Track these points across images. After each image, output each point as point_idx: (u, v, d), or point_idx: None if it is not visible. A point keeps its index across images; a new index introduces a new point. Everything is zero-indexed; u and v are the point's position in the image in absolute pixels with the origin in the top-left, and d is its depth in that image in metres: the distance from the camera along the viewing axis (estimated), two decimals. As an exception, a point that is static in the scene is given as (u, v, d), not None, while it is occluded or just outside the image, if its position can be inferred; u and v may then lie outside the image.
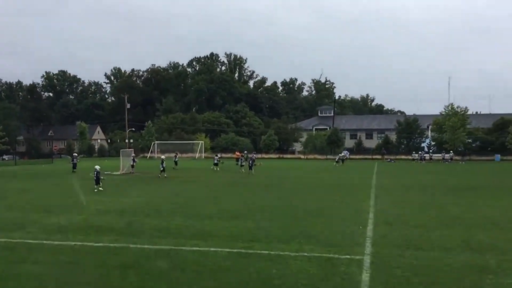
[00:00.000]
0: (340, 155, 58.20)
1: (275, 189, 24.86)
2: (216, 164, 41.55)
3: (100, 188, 23.74)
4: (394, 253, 10.48)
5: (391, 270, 9.14)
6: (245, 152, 57.08)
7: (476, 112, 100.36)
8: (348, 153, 60.47)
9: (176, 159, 43.34)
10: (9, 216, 16.02)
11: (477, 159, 69.50)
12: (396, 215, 15.83)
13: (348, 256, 10.25)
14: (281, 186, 26.55)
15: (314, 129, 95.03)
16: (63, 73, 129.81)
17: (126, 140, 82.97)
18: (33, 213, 16.62)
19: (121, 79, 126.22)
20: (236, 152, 58.36)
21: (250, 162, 37.78)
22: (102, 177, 24.84)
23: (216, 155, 44.46)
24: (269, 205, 18.62)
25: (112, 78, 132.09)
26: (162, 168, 32.96)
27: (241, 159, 42.28)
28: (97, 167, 24.85)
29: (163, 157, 35.14)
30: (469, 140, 75.39)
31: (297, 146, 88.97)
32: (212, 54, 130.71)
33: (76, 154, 38.47)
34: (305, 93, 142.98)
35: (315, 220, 14.98)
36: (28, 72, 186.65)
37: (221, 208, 17.76)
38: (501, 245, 11.29)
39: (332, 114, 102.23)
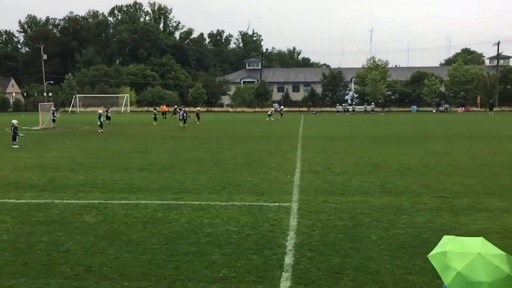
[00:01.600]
0: (272, 109, 53.65)
1: (204, 142, 24.86)
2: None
3: (16, 146, 22.50)
4: (319, 199, 11.01)
5: (317, 215, 9.63)
6: (180, 106, 55.62)
7: (396, 66, 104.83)
8: (277, 105, 60.21)
9: (109, 114, 41.24)
10: None
11: (395, 110, 73.50)
12: (322, 164, 16.52)
13: (276, 204, 10.64)
14: (209, 139, 26.59)
15: (242, 82, 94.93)
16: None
17: (44, 94, 78.27)
18: None
19: (35, 28, 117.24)
20: (162, 106, 56.97)
21: (183, 115, 36.73)
22: (20, 134, 23.48)
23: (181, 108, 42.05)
24: (199, 157, 18.67)
25: (26, 27, 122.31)
26: (99, 123, 31.51)
27: (179, 113, 40.49)
28: (15, 121, 23.44)
29: (100, 111, 33.49)
30: (389, 93, 79.21)
31: (226, 100, 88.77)
32: (135, 2, 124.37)
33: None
34: (232, 45, 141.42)
35: (244, 170, 15.28)
36: None
37: (149, 161, 17.55)
38: (415, 188, 12.22)
39: (259, 67, 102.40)
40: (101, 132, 30.61)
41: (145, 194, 11.70)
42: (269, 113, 50.47)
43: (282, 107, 55.36)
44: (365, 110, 66.91)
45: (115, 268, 6.82)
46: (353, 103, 77.65)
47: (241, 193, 11.81)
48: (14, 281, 6.38)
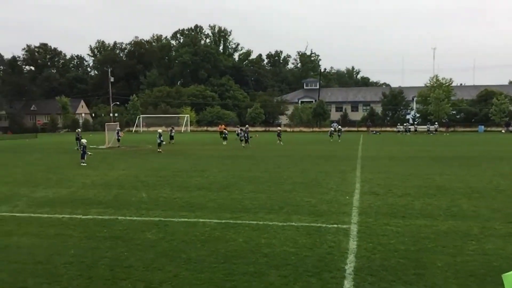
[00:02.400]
0: (331, 128, 52.04)
1: (262, 161, 24.95)
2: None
3: (84, 164, 23.57)
4: (380, 222, 10.67)
5: (378, 238, 9.32)
6: (242, 127, 56.48)
7: (461, 84, 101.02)
8: (336, 125, 58.85)
9: (172, 133, 42.50)
10: (-6, 190, 15.87)
11: (461, 130, 70.45)
12: (382, 185, 16.05)
13: (335, 225, 10.41)
14: (268, 158, 26.65)
15: (300, 102, 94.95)
16: (44, 46, 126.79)
17: (111, 114, 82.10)
18: (19, 187, 16.50)
19: (104, 52, 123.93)
20: (220, 126, 57.98)
21: (245, 135, 37.27)
22: (88, 153, 24.73)
23: (241, 128, 42.72)
24: (257, 176, 18.73)
25: (96, 51, 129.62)
26: (159, 142, 31.97)
27: (240, 133, 41.00)
28: (84, 141, 24.75)
29: (160, 130, 34.15)
30: (454, 112, 76.18)
31: (283, 119, 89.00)
32: (196, 26, 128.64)
33: (79, 130, 36.73)
34: (290, 65, 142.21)
35: (302, 190, 15.13)
36: (9, 45, 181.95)
37: (208, 180, 17.82)
38: (484, 213, 11.56)
39: (317, 87, 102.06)
40: (159, 151, 31.34)
41: (203, 213, 11.85)
42: (329, 133, 49.06)
43: (339, 127, 52.89)
44: (428, 130, 64.67)
45: (174, 285, 6.91)
46: (415, 122, 75.32)
47: (299, 213, 11.67)
48: (79, 294, 6.61)
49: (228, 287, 6.82)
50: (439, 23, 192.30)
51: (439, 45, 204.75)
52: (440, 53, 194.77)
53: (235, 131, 51.27)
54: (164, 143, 36.07)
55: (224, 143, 40.31)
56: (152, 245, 8.95)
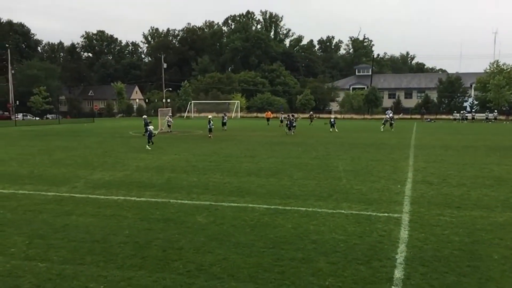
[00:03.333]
0: (386, 116, 45.71)
1: (311, 148, 24.80)
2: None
3: (148, 148, 24.46)
4: (433, 212, 10.38)
5: (431, 228, 9.08)
6: (282, 112, 56.61)
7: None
8: (390, 112, 56.23)
9: (225, 120, 41.73)
10: (55, 172, 16.73)
11: (522, 118, 66.93)
12: (436, 175, 15.57)
13: (386, 214, 10.23)
14: (317, 145, 26.46)
15: (351, 89, 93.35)
16: (101, 33, 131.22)
17: (164, 100, 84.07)
18: (78, 169, 17.28)
19: (157, 39, 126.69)
20: (267, 112, 58.04)
21: (289, 122, 36.79)
22: (154, 134, 25.79)
23: (289, 115, 41.17)
24: (306, 163, 18.66)
25: (149, 38, 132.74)
26: (209, 128, 32.06)
27: (290, 120, 39.69)
28: (151, 127, 26.06)
29: (210, 116, 34.25)
30: (515, 99, 72.45)
31: (334, 106, 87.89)
32: (247, 12, 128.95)
33: (146, 116, 37.65)
34: (342, 51, 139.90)
35: (353, 178, 14.95)
36: (70, 32, 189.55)
37: (257, 166, 17.94)
38: (546, 206, 10.98)
39: (370, 73, 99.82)
40: (209, 137, 31.71)
41: (253, 198, 11.96)
42: (383, 121, 43.41)
43: (391, 114, 48.82)
44: (487, 118, 61.96)
45: (224, 268, 7.04)
46: (473, 110, 72.27)
47: (348, 201, 11.55)
48: (134, 273, 6.88)
49: (276, 271, 6.88)
50: (500, 5, 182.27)
51: (500, 29, 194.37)
52: (502, 37, 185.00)
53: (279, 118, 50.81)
54: (224, 128, 36.39)
55: (285, 129, 37.77)
56: (203, 228, 9.16)
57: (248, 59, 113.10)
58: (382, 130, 40.34)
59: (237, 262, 7.27)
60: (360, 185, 13.74)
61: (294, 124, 36.71)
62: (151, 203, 11.46)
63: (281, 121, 45.95)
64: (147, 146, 24.80)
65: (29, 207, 11.03)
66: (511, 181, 14.35)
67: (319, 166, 17.72)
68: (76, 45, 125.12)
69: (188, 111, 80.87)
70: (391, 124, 42.35)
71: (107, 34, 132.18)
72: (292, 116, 38.87)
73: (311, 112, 54.27)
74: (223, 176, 15.50)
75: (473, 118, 64.34)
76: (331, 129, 39.09)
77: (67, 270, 7.02)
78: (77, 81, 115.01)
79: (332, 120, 41.05)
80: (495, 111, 64.08)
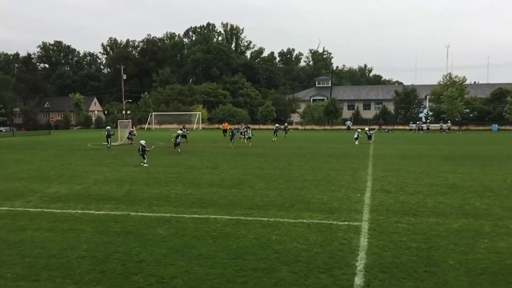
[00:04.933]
0: (360, 131, 40.91)
1: (273, 159, 24.95)
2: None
3: (146, 164, 22.00)
4: (392, 219, 10.64)
5: (389, 236, 9.30)
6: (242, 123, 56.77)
7: (474, 82, 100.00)
8: (350, 123, 56.18)
9: (186, 133, 40.27)
10: (9, 186, 16.12)
11: (474, 128, 69.73)
12: (393, 183, 15.98)
13: (346, 223, 10.40)
14: (279, 156, 26.64)
15: (311, 100, 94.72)
16: (58, 44, 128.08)
17: (123, 112, 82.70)
18: (33, 183, 16.72)
19: (117, 50, 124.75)
20: (223, 124, 57.76)
21: (232, 134, 35.67)
22: (147, 149, 22.99)
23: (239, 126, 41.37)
24: (268, 173, 18.75)
25: (108, 49, 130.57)
26: (176, 142, 29.66)
27: (241, 131, 41.40)
28: (143, 141, 23.33)
29: (180, 131, 32.65)
30: (467, 110, 75.42)
31: (295, 117, 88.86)
32: (208, 24, 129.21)
33: (109, 128, 36.13)
34: (302, 63, 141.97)
35: (313, 188, 15.13)
36: (26, 43, 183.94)
37: (219, 177, 17.88)
38: (496, 211, 11.47)
39: (329, 85, 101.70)
40: (176, 152, 29.69)
41: (215, 209, 11.91)
42: (355, 136, 39.32)
43: (350, 123, 49.22)
44: (441, 129, 64.09)
45: (186, 280, 6.96)
46: (428, 121, 74.71)
47: (310, 210, 11.68)
48: (92, 288, 6.69)
49: (239, 282, 6.85)
50: (452, 21, 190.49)
51: (452, 43, 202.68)
52: (454, 51, 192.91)
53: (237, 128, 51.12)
54: (186, 141, 35.31)
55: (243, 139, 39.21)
56: (164, 241, 9.03)
57: (210, 70, 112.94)
58: (357, 143, 37.84)
59: (199, 274, 7.20)
60: (321, 194, 13.92)
61: (249, 136, 37.04)
62: (110, 216, 11.21)
63: (241, 133, 46.05)
64: (143, 163, 22.27)
65: (-20, 223, 10.56)
66: (465, 188, 14.90)
67: (280, 176, 17.85)
68: (32, 56, 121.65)
69: (148, 123, 79.80)
70: (369, 137, 39.72)
71: (65, 44, 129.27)
72: (247, 127, 39.39)
73: (286, 124, 54.56)
74: (185, 187, 15.36)
75: (428, 129, 66.37)
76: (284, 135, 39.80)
77: (21, 287, 6.76)
78: (33, 93, 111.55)
79: (368, 132, 39.95)
80: (449, 121, 66.43)
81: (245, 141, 37.19)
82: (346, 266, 7.50)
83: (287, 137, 46.20)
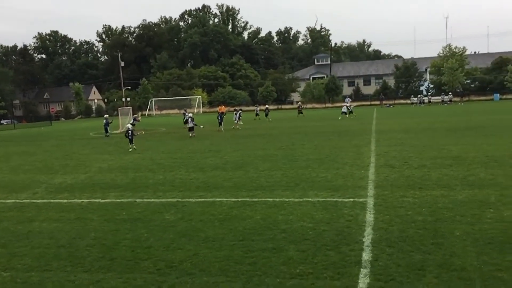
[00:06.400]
0: (346, 104, 45.78)
1: (276, 139, 24.94)
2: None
3: (134, 147, 22.82)
4: (397, 194, 10.65)
5: (395, 210, 9.32)
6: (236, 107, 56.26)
7: (475, 52, 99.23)
8: (349, 100, 57.06)
9: (187, 117, 40.68)
10: (14, 178, 16.18)
11: (476, 99, 69.51)
12: (397, 158, 15.97)
13: (351, 199, 10.43)
14: (281, 136, 26.63)
15: (311, 78, 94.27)
16: (54, 34, 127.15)
17: (123, 99, 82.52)
18: (38, 174, 16.77)
19: (112, 37, 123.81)
20: (220, 106, 57.27)
21: (220, 117, 35.56)
22: (136, 134, 23.42)
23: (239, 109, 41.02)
24: (271, 154, 18.76)
25: (104, 36, 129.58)
26: (191, 125, 29.15)
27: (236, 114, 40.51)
28: (129, 125, 23.65)
29: (190, 114, 31.83)
30: (468, 81, 75.09)
31: (295, 96, 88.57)
32: (203, 6, 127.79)
33: (107, 116, 35.84)
34: (301, 42, 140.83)
35: (317, 166, 15.13)
36: (20, 34, 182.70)
37: (223, 160, 17.91)
38: (501, 181, 11.46)
39: (329, 62, 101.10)
40: (191, 136, 28.78)
41: (220, 192, 11.95)
42: (343, 110, 42.60)
43: (349, 100, 49.81)
44: (443, 101, 63.91)
45: (195, 263, 7.01)
46: (429, 94, 74.39)
47: (315, 189, 11.70)
48: (102, 275, 6.76)
49: (247, 263, 6.90)
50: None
51: (451, 14, 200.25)
52: (453, 21, 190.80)
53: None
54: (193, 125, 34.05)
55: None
56: (171, 226, 9.08)
57: (208, 53, 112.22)
58: (340, 118, 40.09)
59: (208, 257, 7.25)
60: (325, 172, 13.93)
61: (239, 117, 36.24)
62: (117, 203, 11.26)
63: (257, 114, 46.30)
64: (131, 148, 22.72)
65: (-12, 217, 10.63)
66: (469, 159, 14.88)
67: (284, 157, 17.85)
68: (29, 47, 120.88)
69: (149, 109, 79.71)
70: (351, 112, 42.44)
71: (61, 34, 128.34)
72: (239, 109, 38.82)
73: (299, 103, 54.02)
74: (189, 172, 15.39)
75: (429, 102, 66.19)
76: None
77: (32, 277, 6.83)
78: (31, 84, 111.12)
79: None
80: (450, 93, 66.15)
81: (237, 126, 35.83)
82: (354, 242, 7.54)
83: (300, 117, 45.98)
